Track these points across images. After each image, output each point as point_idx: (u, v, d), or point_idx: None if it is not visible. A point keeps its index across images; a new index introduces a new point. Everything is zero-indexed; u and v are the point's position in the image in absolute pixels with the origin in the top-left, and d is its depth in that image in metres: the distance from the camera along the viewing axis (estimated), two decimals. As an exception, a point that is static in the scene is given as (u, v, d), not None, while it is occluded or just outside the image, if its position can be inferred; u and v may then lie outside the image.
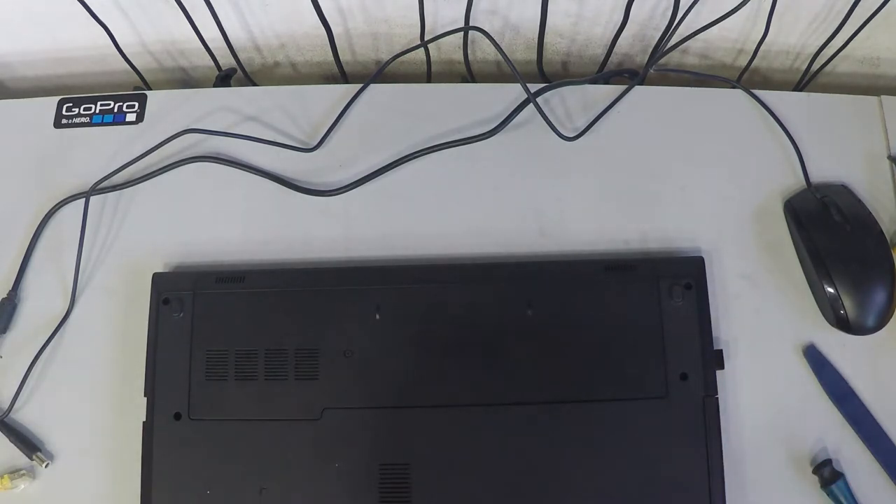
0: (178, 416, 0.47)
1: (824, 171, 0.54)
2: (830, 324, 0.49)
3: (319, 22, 0.57)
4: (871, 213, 0.51)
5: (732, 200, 0.54)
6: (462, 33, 0.60)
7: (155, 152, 0.55)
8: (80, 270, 0.53)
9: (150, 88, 0.64)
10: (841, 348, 0.50)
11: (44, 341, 0.51)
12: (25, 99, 0.59)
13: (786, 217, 0.53)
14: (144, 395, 0.48)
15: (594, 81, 0.58)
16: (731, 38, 0.61)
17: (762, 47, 0.59)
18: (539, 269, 0.50)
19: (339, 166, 0.55)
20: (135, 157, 0.55)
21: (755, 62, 0.61)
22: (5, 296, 0.52)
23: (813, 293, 0.51)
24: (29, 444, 0.49)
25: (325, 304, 0.49)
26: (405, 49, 0.59)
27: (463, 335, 0.48)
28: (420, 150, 0.55)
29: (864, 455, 0.48)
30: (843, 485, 0.46)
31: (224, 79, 0.62)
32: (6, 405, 0.50)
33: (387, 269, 0.51)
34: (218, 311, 0.49)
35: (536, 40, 0.60)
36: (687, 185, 0.54)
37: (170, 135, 0.55)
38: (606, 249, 0.53)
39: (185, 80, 0.68)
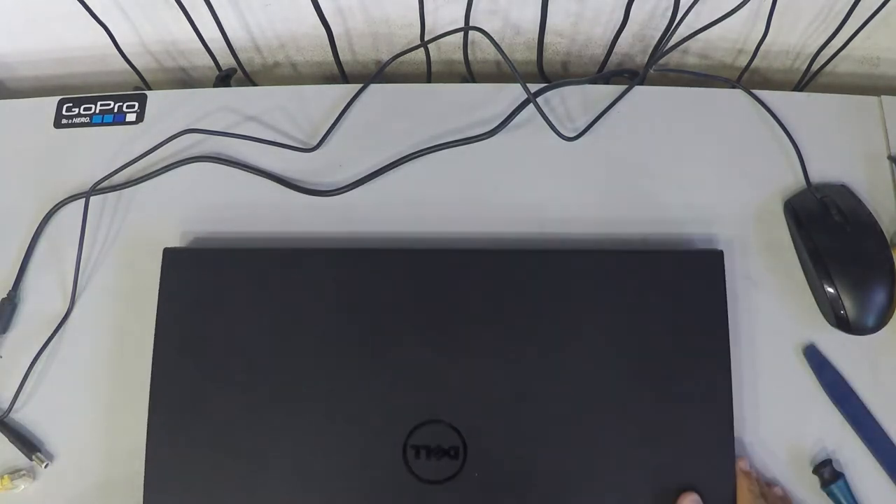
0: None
1: (824, 171, 0.54)
2: (830, 324, 0.49)
3: (319, 22, 0.57)
4: (871, 213, 0.51)
5: (732, 201, 0.54)
6: (462, 33, 0.60)
7: (155, 152, 0.55)
8: (80, 270, 0.53)
9: (150, 88, 0.64)
10: (841, 348, 0.50)
11: (44, 341, 0.51)
12: (25, 99, 0.59)
13: (786, 217, 0.53)
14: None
15: (594, 81, 0.58)
16: (731, 38, 0.61)
17: (762, 47, 0.59)
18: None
19: (339, 166, 0.55)
20: (135, 157, 0.55)
21: (755, 62, 0.61)
22: (5, 296, 0.52)
23: (813, 293, 0.51)
24: (29, 444, 0.49)
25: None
26: (405, 49, 0.59)
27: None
28: (420, 150, 0.55)
29: (864, 455, 0.48)
30: (843, 485, 0.46)
31: (224, 79, 0.62)
32: (6, 405, 0.50)
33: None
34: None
35: (536, 40, 0.60)
36: (687, 186, 0.54)
37: (170, 135, 0.55)
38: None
39: (185, 80, 0.68)
